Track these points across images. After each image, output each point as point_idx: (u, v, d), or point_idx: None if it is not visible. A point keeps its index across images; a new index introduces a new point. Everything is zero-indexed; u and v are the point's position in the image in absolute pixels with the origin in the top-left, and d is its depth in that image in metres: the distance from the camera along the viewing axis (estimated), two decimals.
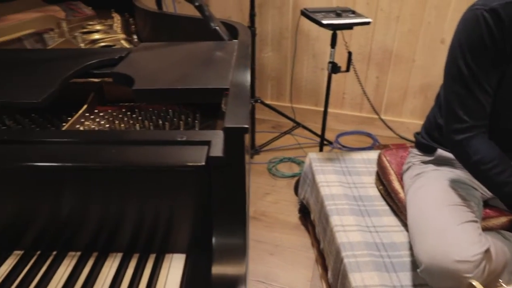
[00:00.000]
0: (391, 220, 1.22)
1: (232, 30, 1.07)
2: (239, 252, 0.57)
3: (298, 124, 2.32)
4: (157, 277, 0.60)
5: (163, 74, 0.75)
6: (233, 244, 0.58)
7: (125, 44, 1.36)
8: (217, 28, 0.99)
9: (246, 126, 0.54)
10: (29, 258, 0.64)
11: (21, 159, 0.57)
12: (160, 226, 0.62)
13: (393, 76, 2.27)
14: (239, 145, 0.55)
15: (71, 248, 0.65)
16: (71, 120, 0.77)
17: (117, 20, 1.68)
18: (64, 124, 0.78)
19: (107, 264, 0.62)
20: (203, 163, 0.55)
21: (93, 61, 0.85)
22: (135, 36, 1.50)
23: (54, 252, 0.65)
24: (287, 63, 2.43)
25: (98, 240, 0.64)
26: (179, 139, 0.59)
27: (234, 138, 0.55)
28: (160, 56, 0.87)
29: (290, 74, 2.45)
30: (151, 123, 0.77)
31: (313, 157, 1.58)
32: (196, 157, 0.56)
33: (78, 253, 0.64)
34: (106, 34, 1.49)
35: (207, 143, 0.58)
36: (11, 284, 0.60)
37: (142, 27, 1.49)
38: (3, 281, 0.61)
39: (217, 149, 0.56)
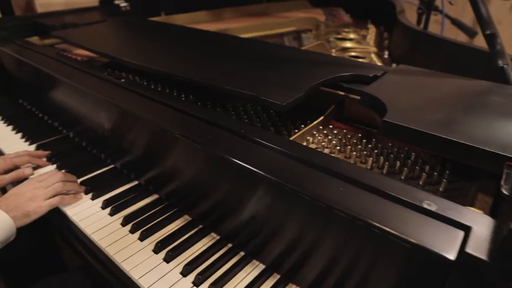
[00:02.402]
0: None
1: None
2: None
3: None
4: None
5: (422, 112, 0.61)
6: None
7: (375, 59, 1.27)
8: (505, 67, 0.76)
9: None
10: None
11: (234, 154, 0.56)
12: (340, 273, 0.52)
13: None
14: None
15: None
16: (304, 129, 0.74)
17: (371, 32, 1.61)
18: (296, 131, 0.75)
19: None
20: (452, 258, 0.39)
21: (346, 74, 0.79)
22: (386, 52, 1.39)
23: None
24: None
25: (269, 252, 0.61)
26: (425, 206, 0.45)
27: None
28: (421, 87, 0.73)
29: None
30: (386, 162, 0.65)
31: None
32: (443, 244, 0.40)
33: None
34: (358, 44, 1.44)
35: (465, 228, 0.42)
36: None
37: (398, 44, 1.36)
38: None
39: (479, 246, 0.39)
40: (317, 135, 0.75)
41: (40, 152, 0.98)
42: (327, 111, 0.80)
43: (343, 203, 0.46)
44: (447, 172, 0.61)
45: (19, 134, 1.12)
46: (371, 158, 0.66)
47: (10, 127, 1.17)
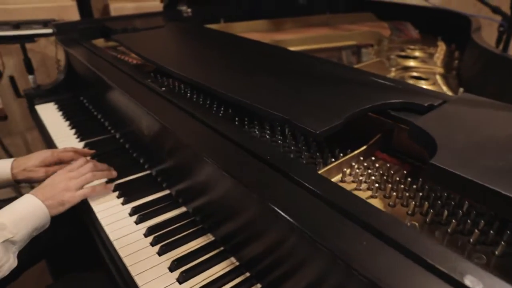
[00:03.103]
0: None
1: None
2: None
3: None
4: None
5: (481, 156, 0.52)
6: None
7: (439, 81, 1.15)
8: None
9: None
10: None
11: (259, 190, 0.51)
12: None
13: None
14: None
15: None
16: (342, 159, 0.66)
17: (440, 50, 1.46)
18: (333, 160, 0.69)
19: None
20: None
21: (396, 101, 0.70)
22: (454, 72, 1.25)
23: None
24: None
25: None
26: (467, 284, 0.36)
27: None
28: (486, 123, 0.62)
29: None
30: (431, 209, 0.56)
31: None
32: None
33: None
34: (423, 63, 1.32)
35: None
36: None
37: (469, 67, 1.22)
38: None
39: None
40: (356, 166, 0.68)
41: (86, 150, 1.02)
42: (372, 140, 0.72)
43: (363, 262, 0.39)
44: (508, 232, 0.51)
45: (73, 130, 1.18)
46: (414, 202, 0.57)
47: (67, 122, 1.24)
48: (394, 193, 0.61)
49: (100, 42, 1.48)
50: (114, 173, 0.91)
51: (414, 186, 0.62)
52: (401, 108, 0.70)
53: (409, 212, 0.57)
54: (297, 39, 1.58)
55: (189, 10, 1.76)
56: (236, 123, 0.83)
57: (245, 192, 0.57)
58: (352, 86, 0.79)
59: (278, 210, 0.49)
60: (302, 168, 0.55)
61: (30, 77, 1.56)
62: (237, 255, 0.69)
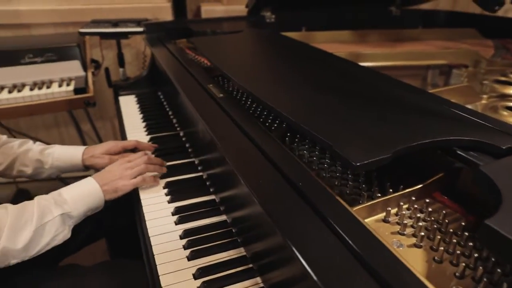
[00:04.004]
0: None
1: None
2: None
3: None
4: None
5: None
6: None
7: None
8: None
9: None
10: None
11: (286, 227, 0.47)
12: None
13: None
14: None
15: None
16: (391, 196, 0.59)
17: None
18: (379, 195, 0.61)
19: None
20: None
21: (466, 138, 0.60)
22: None
23: None
24: None
25: None
26: None
27: None
28: None
29: None
30: (485, 276, 0.46)
31: None
32: None
33: None
34: None
35: None
36: None
37: None
38: None
39: None
40: (405, 206, 0.60)
41: (148, 144, 1.08)
42: (432, 178, 0.63)
43: None
44: None
45: (144, 123, 1.27)
46: (467, 263, 0.48)
47: (141, 115, 1.34)
48: (444, 247, 0.52)
49: (183, 42, 1.56)
50: (164, 169, 0.95)
51: (471, 244, 0.52)
52: (472, 147, 0.60)
53: (458, 274, 0.48)
54: (380, 53, 1.47)
55: (273, 16, 1.77)
56: (287, 138, 0.80)
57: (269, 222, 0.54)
58: (419, 114, 0.70)
59: (296, 252, 0.44)
60: (333, 203, 0.50)
61: (121, 70, 1.72)
62: (263, 276, 0.66)
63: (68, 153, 1.02)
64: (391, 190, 0.62)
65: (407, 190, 0.61)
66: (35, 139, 1.09)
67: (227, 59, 1.08)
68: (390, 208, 0.58)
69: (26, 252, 0.74)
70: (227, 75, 0.93)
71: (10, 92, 1.58)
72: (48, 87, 1.63)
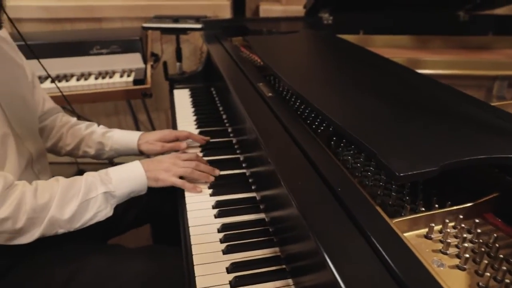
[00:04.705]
0: None
1: None
2: None
3: None
4: None
5: None
6: None
7: None
8: None
9: None
10: None
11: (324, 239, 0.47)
12: None
13: None
14: None
15: None
16: (435, 211, 0.56)
17: None
18: (423, 209, 0.58)
19: None
20: None
21: None
22: None
23: None
24: None
25: None
26: None
27: None
28: None
29: None
30: None
31: None
32: None
33: None
34: None
35: None
36: None
37: None
38: None
39: None
40: (451, 224, 0.56)
41: (200, 137, 1.12)
42: (485, 198, 0.58)
43: None
44: None
45: (194, 117, 1.31)
46: None
47: (193, 109, 1.38)
48: (491, 273, 0.48)
49: (239, 39, 1.59)
50: (211, 178, 0.93)
51: None
52: None
53: None
54: (442, 61, 1.40)
55: (331, 18, 1.74)
56: (332, 142, 0.79)
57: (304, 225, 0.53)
58: (476, 128, 0.65)
59: (327, 259, 0.44)
60: (371, 212, 0.48)
61: (178, 64, 1.79)
62: (295, 279, 0.66)
63: (125, 137, 1.09)
64: (437, 206, 0.59)
65: (455, 207, 0.57)
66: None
67: (279, 58, 1.09)
68: (433, 224, 0.55)
69: (70, 224, 0.79)
70: (277, 74, 0.93)
71: (78, 80, 1.72)
72: (110, 77, 1.74)
